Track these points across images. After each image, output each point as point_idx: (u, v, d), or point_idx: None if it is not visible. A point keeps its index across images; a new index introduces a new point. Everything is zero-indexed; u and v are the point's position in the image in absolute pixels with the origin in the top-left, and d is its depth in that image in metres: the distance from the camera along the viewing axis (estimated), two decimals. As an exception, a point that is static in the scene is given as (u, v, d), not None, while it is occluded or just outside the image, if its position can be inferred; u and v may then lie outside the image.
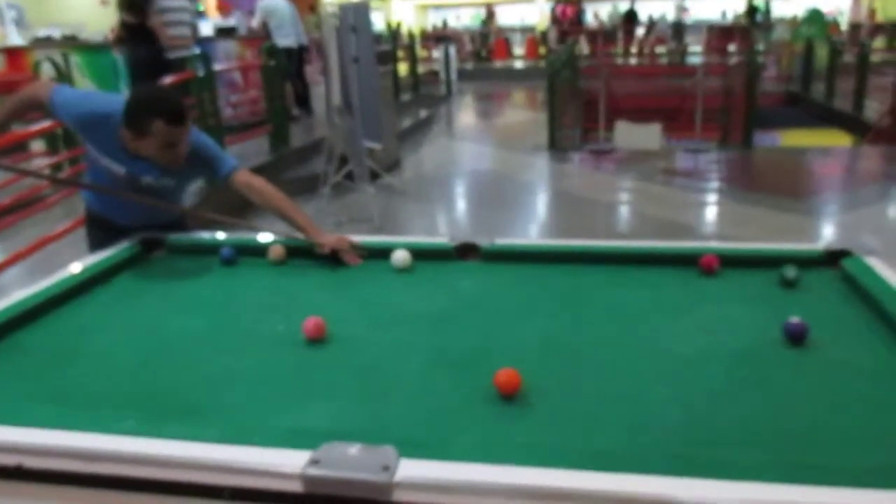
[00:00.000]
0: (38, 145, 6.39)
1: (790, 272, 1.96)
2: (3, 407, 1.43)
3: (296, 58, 8.95)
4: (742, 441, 1.27)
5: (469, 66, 20.83)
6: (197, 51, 6.51)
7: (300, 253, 2.31)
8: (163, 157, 2.29)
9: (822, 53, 12.72)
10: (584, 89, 10.80)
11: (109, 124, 2.32)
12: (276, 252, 2.30)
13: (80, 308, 2.01)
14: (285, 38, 8.65)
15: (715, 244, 2.28)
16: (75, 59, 7.23)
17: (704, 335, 1.70)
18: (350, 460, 1.17)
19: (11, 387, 1.58)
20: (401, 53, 13.90)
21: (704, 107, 9.50)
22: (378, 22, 17.81)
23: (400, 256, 2.19)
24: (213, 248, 2.34)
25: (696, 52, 19.54)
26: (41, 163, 6.14)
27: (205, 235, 2.53)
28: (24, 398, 1.52)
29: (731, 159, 8.49)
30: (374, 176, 6.53)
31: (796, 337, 1.61)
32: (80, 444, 1.25)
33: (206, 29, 9.43)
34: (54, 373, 1.64)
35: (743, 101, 8.99)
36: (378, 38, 11.79)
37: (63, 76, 6.92)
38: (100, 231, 2.61)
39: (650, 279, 2.06)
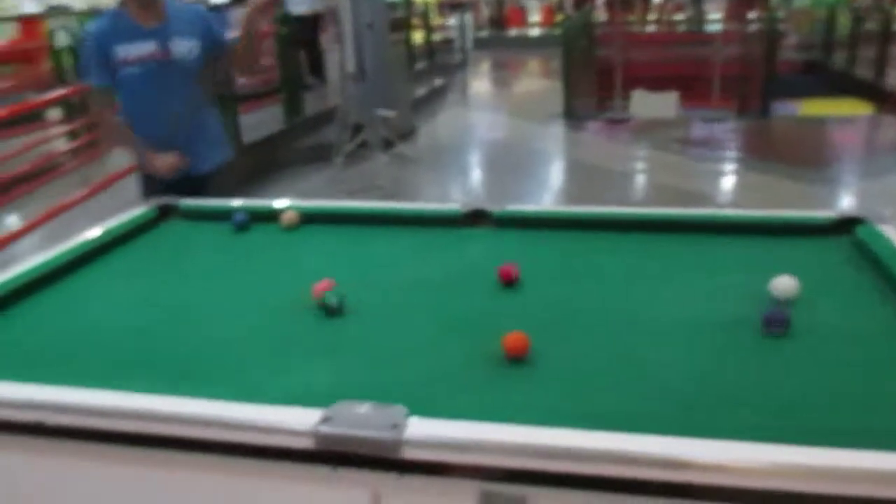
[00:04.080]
0: (54, 113, 6.43)
1: (332, 299, 1.71)
2: (22, 367, 1.46)
3: (310, 25, 8.89)
4: (741, 403, 1.28)
5: (484, 33, 20.60)
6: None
7: (313, 219, 2.34)
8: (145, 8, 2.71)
9: (843, 20, 12.48)
10: (600, 57, 10.66)
11: (111, 19, 2.77)
12: (289, 218, 2.32)
13: (94, 273, 2.04)
14: (299, 6, 8.59)
15: (727, 211, 2.28)
16: (90, 27, 7.25)
17: (709, 301, 1.71)
18: (360, 418, 1.19)
19: (28, 348, 1.62)
20: (415, 21, 13.76)
21: (722, 75, 9.37)
22: (392, -11, 17.59)
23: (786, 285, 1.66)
24: (226, 214, 2.37)
25: (714, 19, 19.20)
26: (58, 131, 6.19)
27: (219, 201, 2.56)
28: (40, 359, 1.56)
29: (747, 128, 8.40)
30: (388, 144, 6.52)
31: (775, 325, 1.52)
32: (97, 401, 1.28)
33: (219, -4, 9.37)
34: (69, 336, 1.68)
35: (761, 69, 8.86)
36: (392, 5, 11.68)
37: (78, 44, 6.92)
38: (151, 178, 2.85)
39: (659, 246, 2.06)
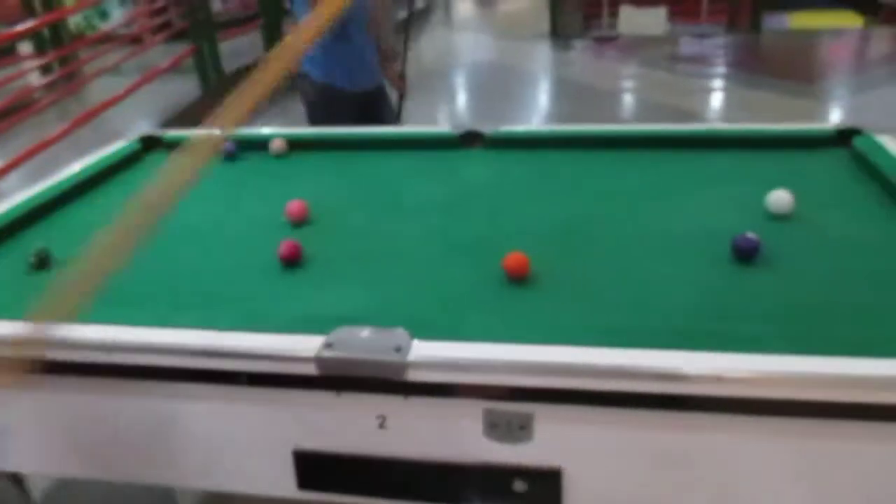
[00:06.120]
0: (25, 47, 6.23)
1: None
2: (17, 304, 1.42)
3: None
4: (747, 316, 1.27)
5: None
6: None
7: (302, 146, 2.29)
8: None
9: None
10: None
11: None
12: (278, 145, 2.27)
13: (83, 207, 2.00)
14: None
15: (727, 126, 2.24)
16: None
17: (709, 215, 1.69)
18: (363, 342, 1.19)
19: (21, 284, 1.58)
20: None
21: (712, -11, 9.15)
22: None
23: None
24: (213, 143, 2.31)
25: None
26: (30, 65, 6.00)
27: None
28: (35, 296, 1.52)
29: (738, 44, 8.24)
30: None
31: (745, 253, 1.47)
32: (100, 335, 1.27)
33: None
34: (63, 270, 1.64)
35: (751, -19, 8.64)
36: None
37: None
38: (327, 102, 3.00)
39: (654, 162, 2.04)
